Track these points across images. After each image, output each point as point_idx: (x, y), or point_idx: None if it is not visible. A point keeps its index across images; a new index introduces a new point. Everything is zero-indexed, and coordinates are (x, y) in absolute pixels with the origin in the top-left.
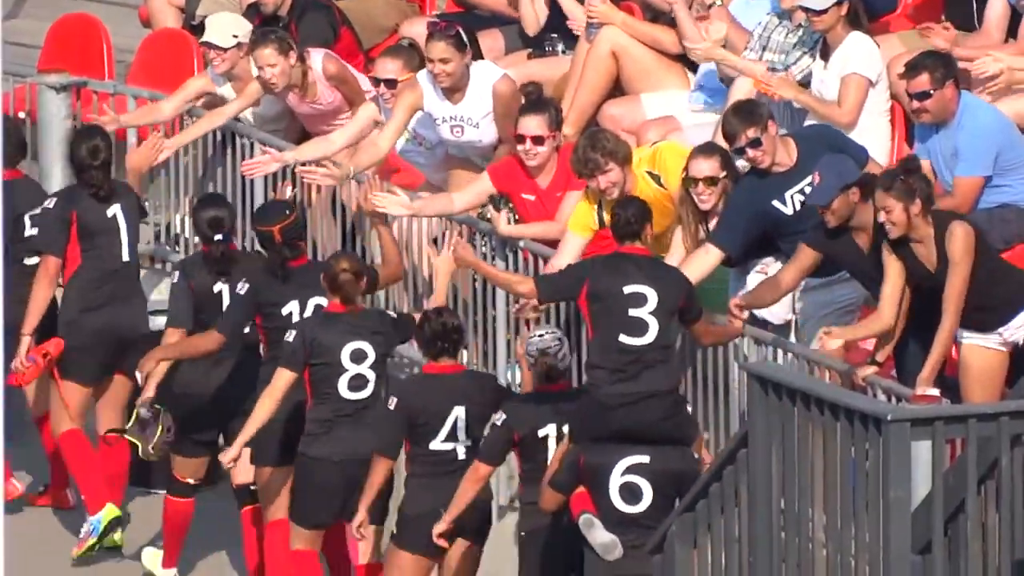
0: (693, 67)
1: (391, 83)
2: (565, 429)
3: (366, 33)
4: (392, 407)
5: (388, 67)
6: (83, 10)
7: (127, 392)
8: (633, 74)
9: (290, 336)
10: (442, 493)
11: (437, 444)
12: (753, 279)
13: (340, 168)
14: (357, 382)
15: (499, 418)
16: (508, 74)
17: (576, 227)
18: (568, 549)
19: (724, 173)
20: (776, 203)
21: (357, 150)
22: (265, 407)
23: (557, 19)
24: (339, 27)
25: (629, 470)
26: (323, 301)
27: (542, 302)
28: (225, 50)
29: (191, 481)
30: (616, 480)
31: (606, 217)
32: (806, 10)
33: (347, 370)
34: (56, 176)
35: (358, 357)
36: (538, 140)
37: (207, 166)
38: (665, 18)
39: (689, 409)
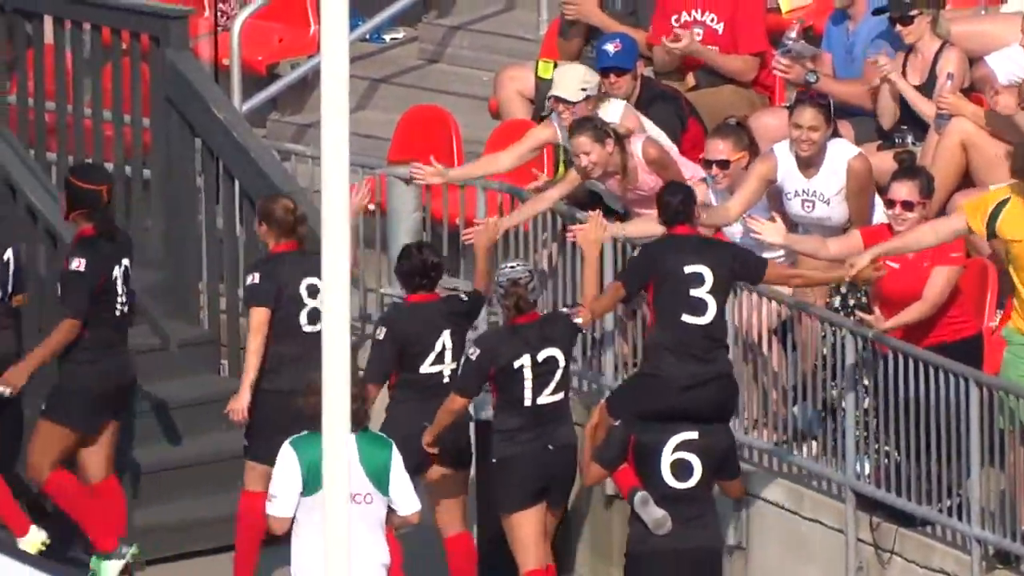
0: None
1: (723, 163)
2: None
3: (715, 124)
4: (382, 337)
5: (719, 147)
6: (432, 102)
7: None
8: (982, 165)
9: (254, 278)
10: (429, 416)
11: (426, 368)
12: None
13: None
14: (315, 315)
15: (473, 352)
16: (863, 152)
17: (970, 210)
18: (540, 475)
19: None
20: None
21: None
22: (255, 347)
23: (906, 112)
24: (687, 118)
25: (680, 447)
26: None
27: (631, 296)
28: (573, 104)
29: None
30: (667, 457)
31: (998, 227)
32: None
33: (306, 304)
34: None
35: (313, 291)
36: (908, 205)
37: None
38: None
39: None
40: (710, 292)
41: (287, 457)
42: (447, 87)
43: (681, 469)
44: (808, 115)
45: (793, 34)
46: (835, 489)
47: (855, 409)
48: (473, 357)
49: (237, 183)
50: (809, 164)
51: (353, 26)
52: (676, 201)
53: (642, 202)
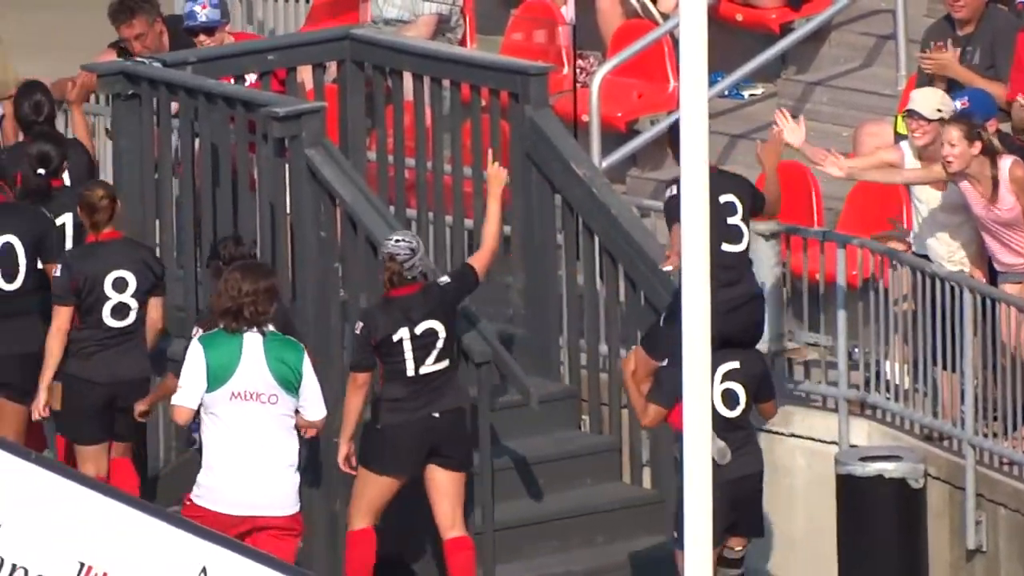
0: None
1: None
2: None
3: None
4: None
5: None
6: (791, 158)
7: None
8: None
9: (56, 270)
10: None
11: None
12: None
13: None
14: (119, 310)
15: (357, 326)
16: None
17: None
18: (424, 442)
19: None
20: None
21: None
22: (56, 346)
23: None
24: None
25: (726, 376)
26: (13, 240)
27: None
28: (928, 122)
29: None
30: (718, 388)
31: None
32: None
33: (110, 298)
34: None
35: (120, 286)
36: None
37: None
38: None
39: None
40: (742, 220)
41: (196, 354)
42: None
43: (729, 398)
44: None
45: None
46: None
47: None
48: (356, 331)
49: (597, 239)
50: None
51: (712, 82)
52: None
53: (998, 225)
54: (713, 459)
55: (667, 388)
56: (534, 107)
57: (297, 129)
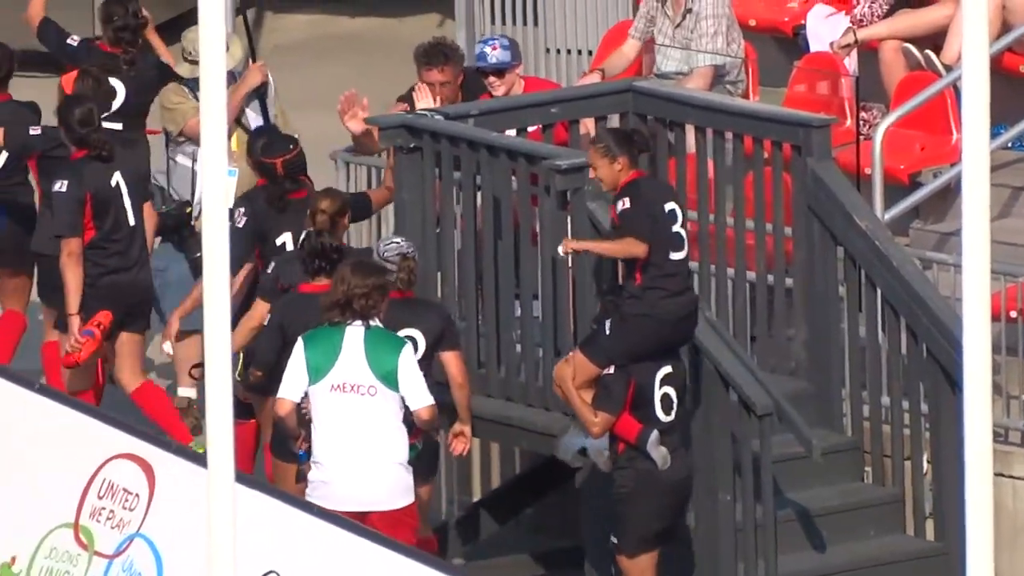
0: None
1: None
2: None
3: None
4: (268, 324)
5: None
6: None
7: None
8: None
9: (269, 268)
10: None
11: None
12: None
13: None
14: None
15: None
16: None
17: None
18: None
19: None
20: None
21: None
22: (242, 332)
23: None
24: None
25: (663, 381)
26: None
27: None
28: None
29: None
30: (657, 393)
31: None
32: None
33: None
34: None
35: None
36: None
37: None
38: None
39: None
40: (682, 226)
41: (297, 350)
42: None
43: (667, 403)
44: None
45: None
46: None
47: None
48: None
49: (879, 292)
50: None
51: (995, 134)
52: (644, 133)
53: None
54: (657, 465)
55: (616, 395)
56: (816, 159)
57: (580, 182)
